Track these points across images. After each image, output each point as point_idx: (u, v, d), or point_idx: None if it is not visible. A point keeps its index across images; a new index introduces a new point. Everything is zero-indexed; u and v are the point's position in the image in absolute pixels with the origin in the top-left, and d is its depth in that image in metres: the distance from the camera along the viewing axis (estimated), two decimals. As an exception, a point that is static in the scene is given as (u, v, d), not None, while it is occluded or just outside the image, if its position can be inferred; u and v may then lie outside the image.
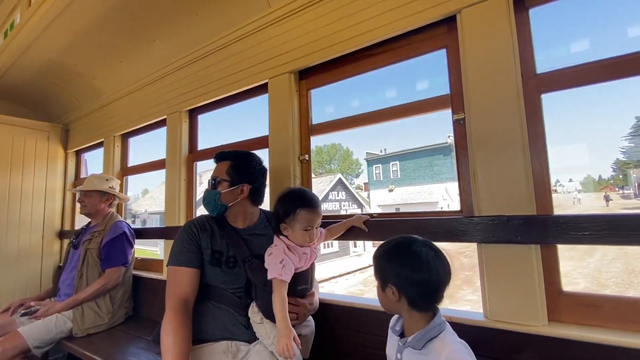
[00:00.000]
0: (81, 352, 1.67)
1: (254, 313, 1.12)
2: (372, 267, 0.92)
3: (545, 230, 0.99)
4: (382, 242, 0.93)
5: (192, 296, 1.15)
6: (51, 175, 3.08)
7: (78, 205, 2.22)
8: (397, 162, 23.98)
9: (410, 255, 0.83)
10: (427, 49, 1.32)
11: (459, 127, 1.21)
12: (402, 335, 0.89)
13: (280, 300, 1.01)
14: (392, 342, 0.93)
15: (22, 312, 1.88)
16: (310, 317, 1.22)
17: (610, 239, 0.91)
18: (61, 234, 3.07)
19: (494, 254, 1.07)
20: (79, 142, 3.10)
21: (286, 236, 1.12)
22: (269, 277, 1.05)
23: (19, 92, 2.96)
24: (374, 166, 25.48)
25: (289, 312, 1.04)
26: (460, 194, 1.20)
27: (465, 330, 0.86)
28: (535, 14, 1.14)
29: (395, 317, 0.95)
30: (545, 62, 1.12)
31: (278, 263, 1.04)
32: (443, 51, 1.28)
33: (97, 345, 1.72)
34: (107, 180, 2.21)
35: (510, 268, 1.04)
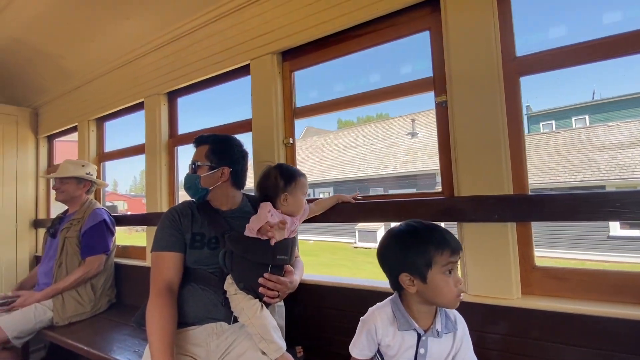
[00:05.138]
0: (63, 341, 1.64)
1: (229, 285, 1.12)
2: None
3: (520, 208, 1.03)
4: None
5: (177, 280, 1.15)
6: (22, 162, 2.92)
7: (53, 192, 2.13)
8: (587, 116, 14.41)
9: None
10: (411, 30, 1.31)
11: (441, 109, 1.22)
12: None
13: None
14: (405, 341, 0.83)
15: (-1, 303, 1.82)
16: (281, 302, 1.24)
17: (579, 215, 0.96)
18: (36, 223, 2.95)
19: (473, 232, 1.12)
20: (50, 127, 2.94)
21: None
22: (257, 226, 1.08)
23: (-20, 74, 2.76)
24: (541, 123, 16.06)
25: (270, 289, 1.08)
26: (442, 175, 1.23)
27: (445, 305, 0.90)
28: (516, -3, 1.15)
29: (383, 316, 0.86)
30: (524, 46, 1.14)
31: (266, 212, 1.11)
32: (426, 33, 1.28)
33: (80, 333, 1.69)
34: (83, 166, 2.12)
35: (488, 245, 1.08)
